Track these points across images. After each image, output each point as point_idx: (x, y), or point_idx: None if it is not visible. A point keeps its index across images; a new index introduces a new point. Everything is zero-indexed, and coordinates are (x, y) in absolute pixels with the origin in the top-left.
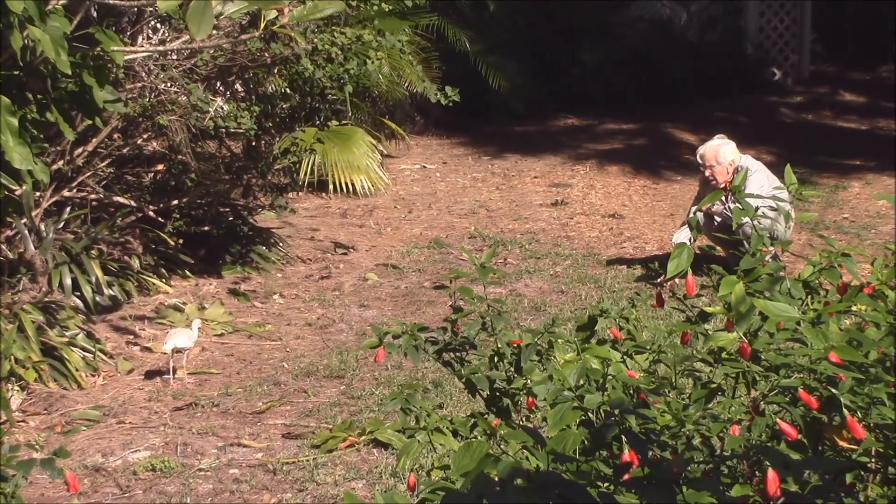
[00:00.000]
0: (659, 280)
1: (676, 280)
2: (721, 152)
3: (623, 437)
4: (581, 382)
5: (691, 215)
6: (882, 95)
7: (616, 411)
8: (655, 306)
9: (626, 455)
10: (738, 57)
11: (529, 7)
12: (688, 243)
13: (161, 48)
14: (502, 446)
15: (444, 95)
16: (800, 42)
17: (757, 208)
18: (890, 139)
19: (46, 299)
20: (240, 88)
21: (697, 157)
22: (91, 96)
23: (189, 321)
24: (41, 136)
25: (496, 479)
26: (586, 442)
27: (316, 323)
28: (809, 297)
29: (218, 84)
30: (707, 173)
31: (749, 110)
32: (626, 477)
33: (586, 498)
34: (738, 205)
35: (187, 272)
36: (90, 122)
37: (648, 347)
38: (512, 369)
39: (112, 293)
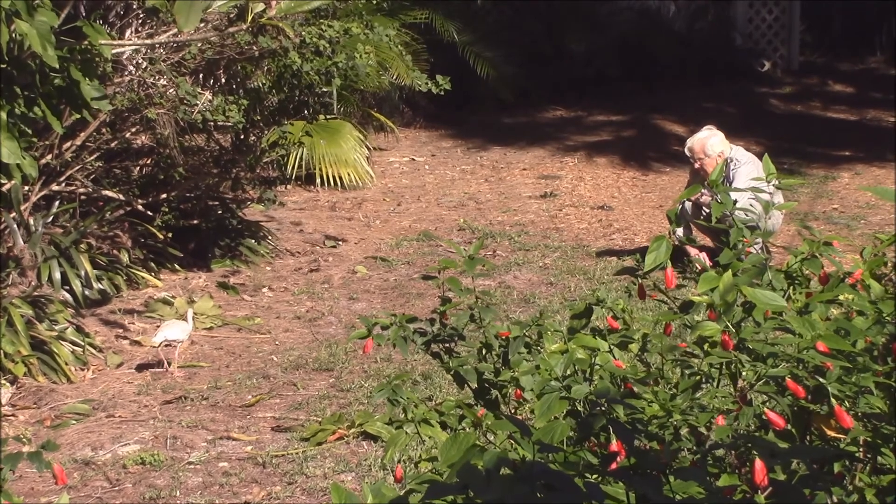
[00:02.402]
0: (639, 272)
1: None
2: (709, 144)
3: (610, 427)
4: (568, 373)
5: (677, 206)
6: (871, 86)
7: (602, 401)
8: (640, 297)
9: (614, 445)
10: (727, 48)
11: None
12: (668, 236)
13: (149, 41)
14: (490, 437)
15: (434, 84)
16: (789, 33)
17: (738, 200)
18: (879, 130)
19: (35, 293)
20: (228, 81)
21: (686, 150)
22: (78, 91)
23: (180, 314)
24: (29, 130)
25: (482, 469)
26: (573, 432)
27: (305, 316)
28: (792, 287)
29: (205, 77)
30: (697, 166)
31: (738, 101)
32: (612, 467)
33: (572, 488)
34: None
35: (176, 266)
36: (78, 116)
37: (636, 338)
38: (500, 361)
39: (101, 287)
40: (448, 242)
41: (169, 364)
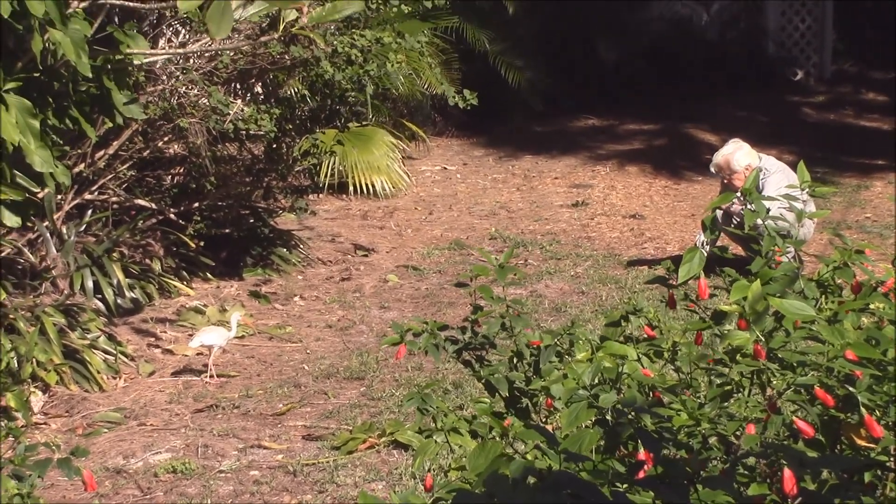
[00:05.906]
0: (670, 281)
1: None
2: (734, 160)
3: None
4: (596, 381)
5: (713, 213)
6: None
7: (630, 410)
8: (670, 307)
9: (641, 454)
10: (759, 56)
11: (549, 7)
12: (699, 246)
13: (181, 51)
14: (518, 446)
15: (462, 98)
16: (821, 41)
17: (769, 209)
18: None
19: (68, 302)
20: (260, 91)
21: (712, 167)
22: (111, 99)
23: (223, 320)
24: (61, 139)
25: (509, 478)
26: (601, 441)
27: (336, 325)
28: (824, 296)
29: (238, 87)
30: (726, 182)
31: (770, 110)
32: (640, 475)
33: (598, 496)
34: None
35: (208, 274)
36: (111, 124)
37: (665, 346)
38: (531, 370)
39: (133, 296)
40: (479, 251)
41: (211, 370)
